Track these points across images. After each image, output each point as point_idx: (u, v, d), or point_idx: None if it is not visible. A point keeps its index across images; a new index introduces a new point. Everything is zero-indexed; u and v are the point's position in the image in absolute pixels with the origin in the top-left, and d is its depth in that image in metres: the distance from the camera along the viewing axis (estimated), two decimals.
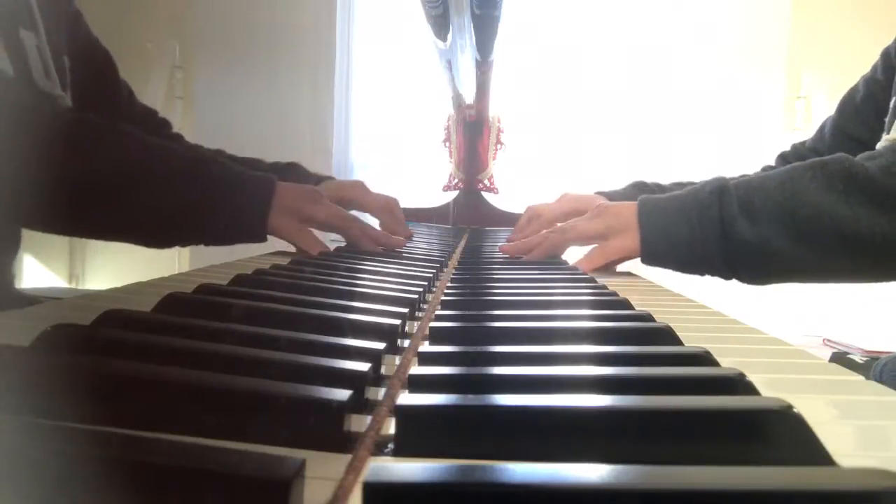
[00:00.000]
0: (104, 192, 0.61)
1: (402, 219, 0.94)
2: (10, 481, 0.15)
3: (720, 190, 0.64)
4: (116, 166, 0.61)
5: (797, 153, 1.02)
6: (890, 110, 0.84)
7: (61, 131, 0.60)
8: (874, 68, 0.93)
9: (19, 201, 0.58)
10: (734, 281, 0.67)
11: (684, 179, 0.98)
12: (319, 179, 0.95)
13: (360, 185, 0.92)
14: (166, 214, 0.63)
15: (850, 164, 0.61)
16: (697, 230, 0.64)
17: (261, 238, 0.68)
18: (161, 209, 0.63)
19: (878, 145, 0.83)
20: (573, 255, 0.82)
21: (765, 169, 1.03)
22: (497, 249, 0.91)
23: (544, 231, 0.80)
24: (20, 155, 0.54)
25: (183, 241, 0.69)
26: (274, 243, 0.73)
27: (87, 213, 0.62)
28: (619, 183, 1.01)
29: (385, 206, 0.92)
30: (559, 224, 0.79)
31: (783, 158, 1.04)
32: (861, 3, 1.99)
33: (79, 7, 0.87)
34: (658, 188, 0.97)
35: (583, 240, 0.75)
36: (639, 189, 0.96)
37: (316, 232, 0.74)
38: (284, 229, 0.68)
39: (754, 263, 0.64)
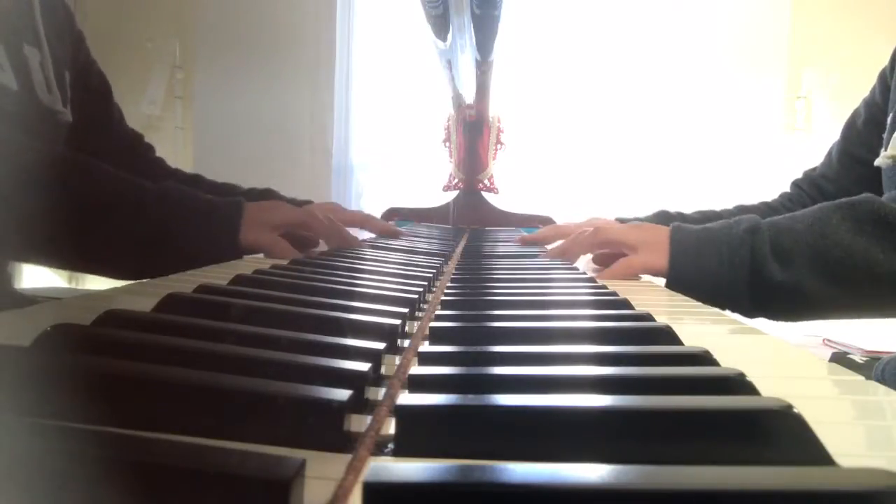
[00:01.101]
0: (77, 226, 0.62)
1: (382, 223, 1.03)
2: (10, 481, 0.15)
3: (753, 229, 0.65)
4: (89, 202, 0.62)
5: (809, 180, 1.04)
6: (887, 127, 0.85)
7: (46, 160, 0.61)
8: (872, 91, 0.94)
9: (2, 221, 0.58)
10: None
11: (706, 207, 1.00)
12: (298, 203, 0.97)
13: (336, 205, 0.96)
14: (139, 247, 0.64)
15: (878, 207, 0.62)
16: (726, 267, 0.64)
17: (234, 257, 0.69)
18: (134, 243, 0.64)
19: (877, 161, 0.84)
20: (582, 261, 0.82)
21: (782, 196, 1.04)
22: (497, 250, 0.91)
23: (577, 232, 0.80)
24: (10, 174, 0.55)
25: (157, 272, 0.70)
26: None
27: (61, 246, 0.63)
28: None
29: (365, 219, 0.99)
30: (593, 225, 0.78)
31: (797, 186, 1.05)
32: (861, 3, 1.99)
33: (74, 11, 0.88)
34: (681, 217, 0.97)
35: (613, 244, 0.74)
36: (662, 219, 0.97)
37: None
38: (258, 243, 0.69)
39: (784, 303, 0.65)
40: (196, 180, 1.00)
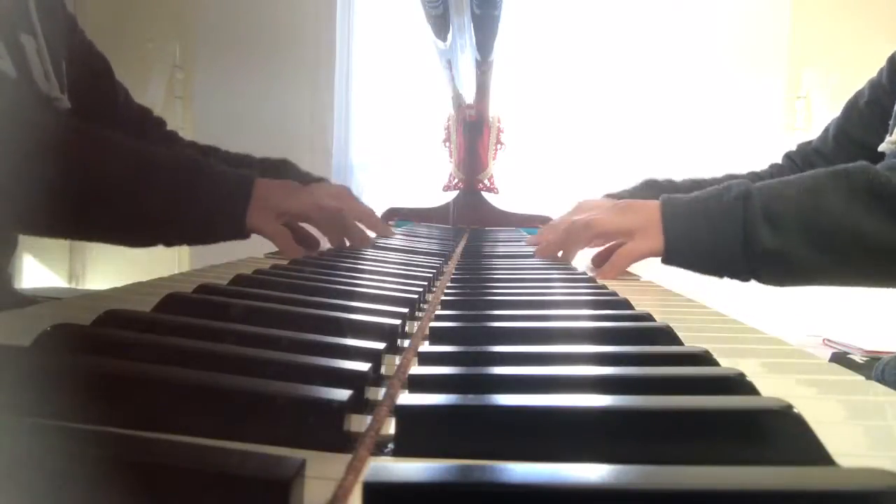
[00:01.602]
0: (90, 195, 0.63)
1: (383, 227, 0.96)
2: (10, 481, 0.15)
3: (744, 195, 0.64)
4: (101, 171, 0.63)
5: (802, 153, 1.03)
6: (895, 113, 0.84)
7: (50, 137, 0.62)
8: (880, 73, 0.93)
9: (11, 202, 0.59)
10: (752, 282, 0.68)
11: (695, 176, 0.99)
12: (311, 178, 0.95)
13: (347, 191, 0.89)
14: (149, 214, 0.65)
15: (872, 176, 0.62)
16: (721, 236, 0.64)
17: (241, 234, 0.69)
18: (144, 210, 0.65)
19: (881, 147, 0.83)
20: (582, 259, 0.82)
21: (772, 167, 1.04)
22: (497, 250, 0.91)
23: (564, 227, 0.77)
24: (16, 157, 0.55)
25: (166, 240, 0.71)
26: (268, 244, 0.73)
27: (73, 216, 0.64)
28: (620, 184, 1.01)
29: (371, 218, 0.92)
30: (578, 218, 0.75)
31: (789, 158, 1.05)
32: (861, 3, 1.99)
33: (74, 12, 0.88)
34: (671, 185, 0.96)
35: (608, 236, 0.73)
36: (651, 188, 0.95)
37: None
38: (262, 227, 0.69)
39: (776, 269, 0.65)
40: (212, 152, 0.99)
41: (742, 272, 0.66)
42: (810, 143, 1.03)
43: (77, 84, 0.82)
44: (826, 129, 1.01)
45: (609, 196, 0.93)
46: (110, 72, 0.94)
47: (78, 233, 0.75)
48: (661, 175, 1.01)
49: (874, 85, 0.94)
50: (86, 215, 0.64)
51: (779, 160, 1.06)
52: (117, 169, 0.64)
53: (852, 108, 0.96)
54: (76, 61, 0.84)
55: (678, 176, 1.00)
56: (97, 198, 0.63)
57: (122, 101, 0.96)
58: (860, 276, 0.67)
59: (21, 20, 0.72)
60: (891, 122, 0.85)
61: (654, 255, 0.69)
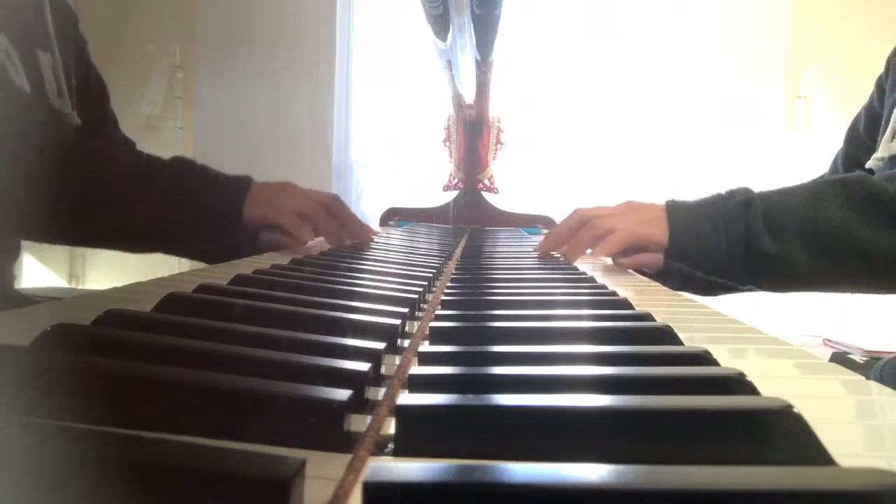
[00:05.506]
0: (91, 200, 0.66)
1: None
2: (10, 481, 0.15)
3: (746, 202, 0.66)
4: (102, 173, 0.67)
5: None
6: (880, 130, 0.85)
7: (57, 148, 0.65)
8: (871, 98, 0.96)
9: (20, 210, 0.61)
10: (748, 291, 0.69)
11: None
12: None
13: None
14: (149, 213, 0.68)
15: (870, 186, 0.64)
16: (723, 239, 0.66)
17: (238, 228, 0.71)
18: (145, 207, 0.68)
19: (868, 164, 0.84)
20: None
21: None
22: (497, 250, 0.91)
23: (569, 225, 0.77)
24: (27, 167, 0.58)
25: (166, 241, 0.74)
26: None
27: (76, 223, 0.67)
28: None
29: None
30: (590, 218, 0.75)
31: None
32: (861, 3, 1.99)
33: (85, 36, 0.89)
34: None
35: (616, 235, 0.73)
36: None
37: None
38: (263, 216, 0.71)
39: (776, 275, 0.67)
40: None
41: (742, 276, 0.67)
42: (822, 177, 1.05)
43: (77, 105, 0.83)
44: (834, 161, 1.03)
45: None
46: (107, 98, 0.95)
47: (80, 239, 0.78)
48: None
49: (868, 110, 0.96)
50: (87, 221, 0.67)
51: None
52: (119, 170, 0.67)
53: (853, 133, 0.98)
54: (80, 83, 0.85)
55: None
56: (98, 202, 0.66)
57: (111, 130, 0.96)
58: (857, 282, 0.69)
59: (39, 36, 0.73)
60: (878, 139, 0.86)
61: (656, 243, 0.69)
